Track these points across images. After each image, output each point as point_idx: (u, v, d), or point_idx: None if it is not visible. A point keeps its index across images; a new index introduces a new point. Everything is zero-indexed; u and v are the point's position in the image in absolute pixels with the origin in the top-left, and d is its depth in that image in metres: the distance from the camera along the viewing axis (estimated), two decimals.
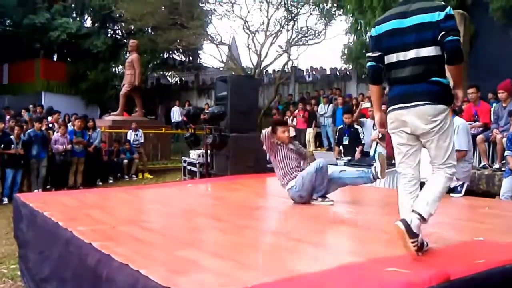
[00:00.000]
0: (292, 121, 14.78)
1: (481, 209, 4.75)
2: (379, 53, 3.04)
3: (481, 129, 7.89)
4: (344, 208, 5.10)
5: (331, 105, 14.62)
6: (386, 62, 3.05)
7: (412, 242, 2.78)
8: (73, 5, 23.27)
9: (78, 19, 23.50)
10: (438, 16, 2.89)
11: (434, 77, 2.93)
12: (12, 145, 9.87)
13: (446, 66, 2.96)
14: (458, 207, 5.24)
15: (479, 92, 8.06)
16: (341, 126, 9.37)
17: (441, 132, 2.97)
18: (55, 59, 24.04)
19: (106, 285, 2.76)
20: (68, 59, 23.53)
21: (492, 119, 7.82)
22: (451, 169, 3.06)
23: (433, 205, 2.96)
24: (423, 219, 2.89)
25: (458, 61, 2.94)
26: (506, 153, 6.62)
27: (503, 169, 6.86)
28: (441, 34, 2.87)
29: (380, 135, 8.40)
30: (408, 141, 3.05)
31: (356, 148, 8.78)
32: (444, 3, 3.00)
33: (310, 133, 14.49)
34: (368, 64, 3.09)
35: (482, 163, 7.58)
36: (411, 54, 2.94)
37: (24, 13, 20.24)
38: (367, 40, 14.80)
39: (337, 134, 9.40)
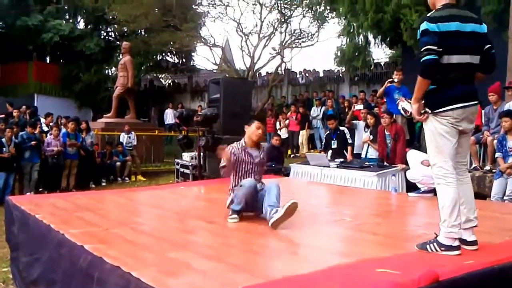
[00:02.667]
0: (285, 122, 14.83)
1: None
2: (441, 49, 3.00)
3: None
4: (335, 209, 5.12)
5: (323, 107, 14.68)
6: (445, 62, 3.04)
7: None
8: (66, 7, 23.18)
9: (71, 21, 23.43)
10: (485, 29, 3.18)
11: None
12: (4, 148, 9.82)
13: (479, 73, 3.21)
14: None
15: None
16: (328, 132, 9.51)
17: None
18: (48, 61, 23.95)
19: (97, 287, 2.77)
20: (61, 61, 23.44)
21: (483, 122, 7.88)
22: None
23: None
24: None
25: (493, 71, 3.28)
26: (497, 155, 6.67)
27: (493, 170, 6.91)
28: (487, 46, 3.18)
29: (371, 137, 8.45)
30: (455, 138, 3.14)
31: (345, 151, 8.85)
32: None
33: (303, 135, 14.53)
34: (430, 57, 2.97)
35: (473, 165, 7.63)
36: (467, 58, 3.09)
37: (17, 15, 20.15)
38: (360, 42, 14.88)
39: (324, 140, 9.53)
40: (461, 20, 3.08)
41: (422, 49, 3.00)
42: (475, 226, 3.17)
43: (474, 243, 3.13)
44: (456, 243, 3.01)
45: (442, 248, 3.01)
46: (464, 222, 3.14)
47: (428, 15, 3.13)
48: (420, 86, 3.07)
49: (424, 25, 3.04)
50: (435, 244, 3.05)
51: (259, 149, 4.75)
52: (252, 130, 4.70)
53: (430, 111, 3.09)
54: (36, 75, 21.54)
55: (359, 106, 11.71)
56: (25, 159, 10.32)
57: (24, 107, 14.10)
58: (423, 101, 3.14)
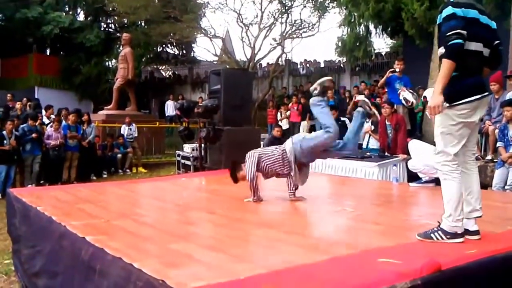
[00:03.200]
0: (286, 113, 14.80)
1: None
2: (466, 33, 2.97)
3: None
4: (337, 200, 5.12)
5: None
6: (465, 48, 3.01)
7: None
8: None
9: (70, 13, 23.35)
10: (495, 26, 3.19)
11: None
12: (5, 141, 9.82)
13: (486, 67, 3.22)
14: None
15: None
16: None
17: None
18: (48, 53, 23.91)
19: (99, 278, 2.77)
20: (61, 53, 23.41)
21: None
22: None
23: None
24: None
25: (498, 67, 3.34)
26: (498, 144, 6.66)
27: (495, 160, 6.90)
28: (497, 41, 3.19)
29: (373, 127, 8.43)
30: (470, 130, 3.14)
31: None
32: None
33: (304, 126, 14.48)
34: (457, 41, 2.93)
35: (475, 155, 7.61)
36: (481, 48, 3.09)
37: (16, 7, 20.10)
38: (361, 32, 14.82)
39: None
40: (478, 11, 3.08)
41: (451, 33, 2.94)
42: (480, 216, 3.17)
43: (476, 232, 3.13)
44: (460, 230, 3.05)
45: (448, 236, 3.03)
46: (470, 212, 3.15)
47: (452, 0, 3.10)
48: (448, 71, 2.97)
49: (450, 10, 3.01)
50: (440, 232, 3.06)
51: None
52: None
53: (448, 104, 3.02)
54: (36, 67, 21.50)
55: (360, 97, 11.66)
56: (26, 152, 10.32)
57: (25, 99, 14.10)
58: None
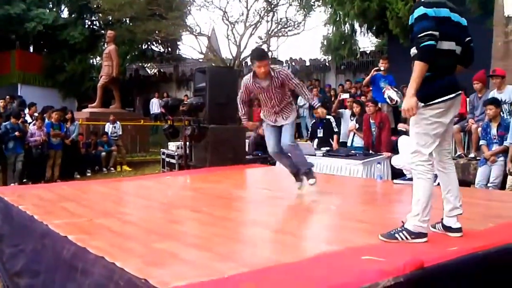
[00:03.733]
0: None
1: None
2: (438, 34, 2.95)
3: (457, 119, 7.99)
4: (322, 197, 5.13)
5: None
6: (438, 47, 2.99)
7: None
8: None
9: (54, 9, 23.05)
10: (466, 22, 3.20)
11: None
12: None
13: (459, 66, 3.23)
14: (433, 196, 5.29)
15: None
16: (314, 120, 9.52)
17: None
18: (31, 50, 23.59)
19: (81, 277, 2.75)
20: (45, 50, 23.12)
21: (467, 109, 7.93)
22: None
23: None
24: None
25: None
26: (481, 142, 6.73)
27: (478, 158, 6.97)
28: (468, 38, 3.21)
29: (357, 126, 8.47)
30: (444, 129, 3.14)
31: (331, 139, 8.88)
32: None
33: None
34: (429, 42, 2.91)
35: (458, 153, 7.69)
36: (454, 46, 3.09)
37: None
38: (346, 31, 14.87)
39: (310, 129, 9.55)
40: (450, 9, 3.09)
41: (423, 34, 2.93)
42: (460, 214, 3.20)
43: (459, 230, 3.16)
44: (425, 230, 3.04)
45: (412, 236, 3.01)
46: (450, 210, 3.17)
47: (423, 0, 3.09)
48: (420, 73, 2.96)
49: (421, 10, 2.99)
50: (404, 232, 3.04)
51: (269, 78, 4.94)
52: (256, 70, 4.89)
53: (423, 104, 3.02)
54: (19, 64, 21.22)
55: (345, 95, 11.72)
56: (9, 150, 10.18)
57: (8, 97, 13.91)
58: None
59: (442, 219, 3.23)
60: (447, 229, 3.16)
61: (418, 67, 2.96)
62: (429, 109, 3.03)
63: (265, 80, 4.88)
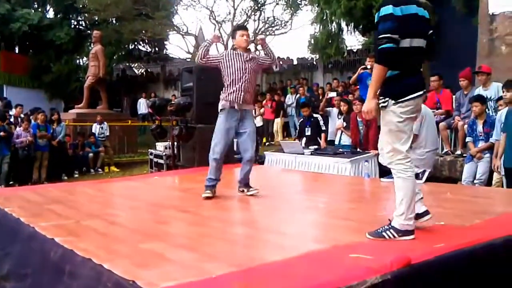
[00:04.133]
0: (259, 111, 14.81)
1: (443, 194, 4.86)
2: (398, 37, 2.92)
3: (443, 116, 8.05)
4: (309, 196, 5.15)
5: (297, 95, 14.74)
6: (407, 45, 2.97)
7: None
8: None
9: (39, 10, 22.88)
10: (428, 15, 3.13)
11: None
12: None
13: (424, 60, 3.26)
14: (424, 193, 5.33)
15: (442, 80, 8.22)
16: (302, 119, 9.54)
17: None
18: (16, 51, 23.37)
19: (69, 280, 2.73)
20: (30, 51, 22.91)
21: (454, 107, 8.00)
22: None
23: None
24: None
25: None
26: (467, 139, 6.79)
27: (464, 155, 7.03)
28: (431, 31, 3.15)
29: (344, 124, 8.50)
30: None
31: (318, 138, 8.92)
32: None
33: (277, 123, 14.54)
34: (389, 45, 2.89)
35: (445, 150, 7.75)
36: (422, 43, 3.07)
37: None
38: (333, 30, 14.90)
39: (298, 127, 9.57)
40: (417, 4, 3.06)
41: (382, 36, 2.92)
42: (422, 198, 3.27)
43: (426, 212, 3.25)
44: (411, 228, 3.04)
45: (400, 234, 3.02)
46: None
47: None
48: (379, 77, 2.97)
49: (388, 9, 2.94)
50: (392, 230, 3.04)
51: (248, 53, 4.94)
52: (238, 39, 4.89)
53: (393, 101, 3.00)
54: (4, 66, 20.99)
55: (332, 94, 11.76)
56: None
57: None
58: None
59: None
60: (416, 216, 3.15)
61: (376, 70, 2.99)
62: (400, 106, 3.01)
63: (245, 54, 4.86)
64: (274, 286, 2.26)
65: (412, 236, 3.03)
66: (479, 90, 7.26)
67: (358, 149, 7.73)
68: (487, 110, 6.77)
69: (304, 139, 9.10)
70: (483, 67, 7.39)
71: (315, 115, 9.21)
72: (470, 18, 10.28)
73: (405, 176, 3.04)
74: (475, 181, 6.36)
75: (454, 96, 8.14)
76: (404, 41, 2.96)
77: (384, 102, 3.04)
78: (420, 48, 3.06)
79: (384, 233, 3.07)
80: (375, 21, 3.07)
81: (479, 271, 2.79)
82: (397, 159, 3.06)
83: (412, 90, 3.02)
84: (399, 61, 2.97)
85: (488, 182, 6.31)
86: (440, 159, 7.34)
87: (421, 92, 3.07)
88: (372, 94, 3.02)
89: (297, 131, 9.92)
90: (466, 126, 6.98)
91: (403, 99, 3.00)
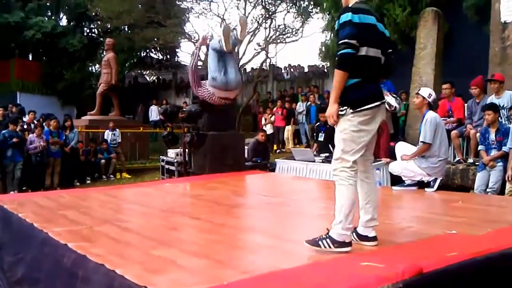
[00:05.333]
0: (270, 118, 14.83)
1: (455, 203, 4.83)
2: (357, 43, 2.95)
3: (455, 124, 8.01)
4: (320, 204, 5.14)
5: (305, 102, 14.76)
6: (364, 53, 3.00)
7: None
8: (48, 3, 22.87)
9: (53, 17, 23.09)
10: (388, 34, 3.22)
11: None
12: None
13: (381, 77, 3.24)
14: (432, 202, 5.32)
15: (453, 88, 8.19)
16: (318, 123, 9.46)
17: None
18: (30, 58, 23.61)
19: (81, 285, 2.76)
20: (44, 58, 23.11)
21: (466, 115, 7.95)
22: None
23: None
24: None
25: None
26: (480, 147, 6.73)
27: (477, 163, 6.98)
28: (391, 50, 3.21)
29: None
30: (370, 138, 3.14)
31: (330, 146, 8.87)
32: None
33: (288, 130, 14.55)
34: (348, 50, 2.93)
35: (457, 158, 7.69)
36: (379, 54, 3.09)
37: None
38: None
39: (315, 131, 9.50)
40: (376, 17, 3.10)
41: (341, 42, 2.95)
42: (377, 225, 3.21)
43: (374, 238, 3.18)
44: (348, 239, 2.99)
45: (336, 245, 2.96)
46: (368, 221, 3.18)
47: (349, 5, 3.08)
48: (339, 83, 2.99)
49: (347, 16, 2.97)
50: (328, 240, 2.99)
51: None
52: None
53: (351, 110, 3.00)
54: (18, 73, 21.22)
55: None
56: (8, 158, 10.19)
57: (10, 106, 13.91)
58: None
59: (356, 228, 3.20)
60: (363, 238, 3.15)
61: (336, 76, 3.01)
62: (357, 115, 3.00)
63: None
64: None
65: (348, 248, 2.96)
66: (491, 99, 7.21)
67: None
68: (499, 118, 6.72)
69: (315, 145, 9.08)
70: (496, 75, 7.34)
71: None
72: (482, 26, 10.23)
73: (347, 184, 3.00)
74: (487, 190, 6.30)
75: (466, 105, 8.10)
76: (362, 49, 2.98)
77: (342, 111, 3.02)
78: (377, 59, 3.06)
79: (320, 242, 3.01)
80: (336, 29, 3.12)
81: (491, 281, 2.77)
82: (342, 166, 3.04)
83: (370, 100, 3.01)
84: (357, 68, 2.98)
85: (501, 191, 6.25)
86: (452, 167, 7.29)
87: (378, 103, 3.05)
88: (333, 99, 3.04)
89: (314, 133, 9.82)
90: (478, 134, 6.93)
91: (360, 108, 2.98)
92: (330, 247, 2.96)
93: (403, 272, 2.35)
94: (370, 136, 3.11)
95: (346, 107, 3.01)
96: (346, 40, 2.93)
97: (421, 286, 2.38)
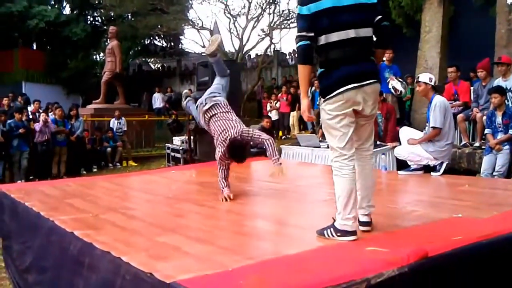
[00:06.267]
0: (275, 104, 14.80)
1: (461, 186, 4.81)
2: (312, 34, 2.88)
3: (461, 108, 7.96)
4: (325, 189, 5.13)
5: (312, 88, 14.69)
6: (323, 42, 2.90)
7: None
8: None
9: (56, 6, 23.11)
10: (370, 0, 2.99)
11: (372, 56, 3.02)
12: None
13: (376, 49, 3.06)
14: (438, 185, 5.31)
15: (459, 72, 8.13)
16: None
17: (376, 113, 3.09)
18: (34, 48, 23.66)
19: (88, 272, 2.78)
20: (48, 47, 23.17)
21: (472, 98, 7.90)
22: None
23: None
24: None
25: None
26: (486, 131, 6.70)
27: (483, 147, 6.95)
28: (378, 17, 3.00)
29: None
30: (352, 124, 2.96)
31: None
32: None
33: (293, 116, 14.52)
34: (301, 43, 2.88)
35: (463, 142, 7.66)
36: (350, 33, 2.89)
37: (0, 1, 19.83)
38: None
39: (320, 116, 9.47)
40: None
41: (296, 36, 2.93)
42: (367, 214, 3.12)
43: (366, 224, 3.11)
44: (351, 228, 2.92)
45: (338, 234, 2.92)
46: (366, 207, 3.12)
47: None
48: (302, 76, 2.96)
49: (298, 9, 2.94)
50: (331, 229, 2.96)
51: None
52: None
53: (323, 99, 2.95)
54: (22, 62, 21.29)
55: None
56: (14, 148, 10.25)
57: (11, 94, 13.94)
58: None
59: None
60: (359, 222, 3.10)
61: (299, 70, 2.98)
62: (328, 103, 2.92)
63: None
64: (290, 279, 2.27)
65: (351, 237, 2.90)
66: (498, 81, 7.16)
67: (378, 142, 7.68)
68: (506, 101, 6.67)
69: (320, 131, 9.07)
70: (503, 58, 7.27)
71: None
72: (488, 9, 10.13)
73: (340, 174, 2.93)
74: (494, 173, 6.28)
75: (472, 88, 8.05)
76: (320, 39, 2.90)
77: (319, 102, 3.03)
78: (346, 40, 2.88)
79: (325, 231, 3.00)
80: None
81: (497, 264, 2.77)
82: (334, 157, 2.97)
83: (337, 85, 2.88)
84: (320, 57, 2.95)
85: (508, 174, 6.23)
86: (459, 151, 7.27)
87: (348, 86, 2.86)
88: (302, 94, 3.06)
89: (319, 120, 9.81)
90: (484, 117, 6.89)
91: (329, 96, 2.90)
92: (333, 236, 2.95)
93: (409, 256, 2.35)
94: (350, 119, 2.93)
95: (320, 98, 3.00)
96: (297, 34, 2.91)
97: (426, 270, 2.39)
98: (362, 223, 3.10)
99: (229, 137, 4.44)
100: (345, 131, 2.92)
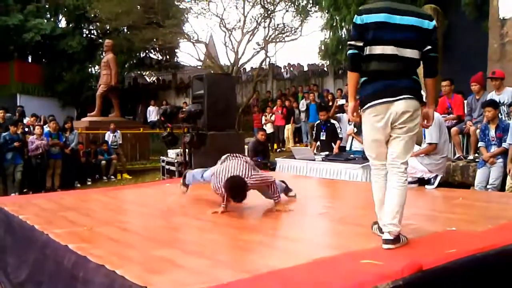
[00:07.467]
0: (270, 117, 14.85)
1: (455, 199, 4.83)
2: (362, 43, 3.01)
3: (455, 121, 8.01)
4: (320, 202, 5.15)
5: (306, 101, 14.79)
6: (367, 53, 3.04)
7: None
8: (46, 5, 22.90)
9: (52, 19, 23.11)
10: (428, 25, 3.05)
11: (414, 75, 3.11)
12: None
13: (424, 78, 3.18)
14: (432, 199, 5.33)
15: (453, 85, 8.19)
16: (318, 122, 9.45)
17: (414, 130, 3.11)
18: (29, 61, 23.63)
19: (82, 286, 2.76)
20: (43, 60, 23.15)
21: (465, 111, 7.95)
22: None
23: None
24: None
25: (435, 75, 3.20)
26: (480, 144, 6.74)
27: (477, 160, 6.98)
28: (428, 47, 3.06)
29: (355, 130, 8.49)
30: (382, 137, 3.08)
31: (333, 144, 8.89)
32: (430, 14, 3.21)
33: (288, 129, 14.57)
34: (350, 51, 3.05)
35: (457, 155, 7.69)
36: (392, 50, 3.00)
37: None
38: (343, 36, 14.92)
39: (315, 129, 9.50)
40: (390, 12, 3.00)
41: (348, 44, 3.10)
42: (389, 232, 3.02)
43: (386, 241, 3.02)
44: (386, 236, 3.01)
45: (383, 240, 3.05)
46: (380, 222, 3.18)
47: (360, 8, 3.15)
48: (349, 81, 3.16)
49: (354, 18, 3.09)
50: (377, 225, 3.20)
51: None
52: None
53: (360, 108, 3.13)
54: (18, 75, 21.25)
55: (342, 101, 11.75)
56: (8, 161, 10.20)
57: (17, 109, 13.94)
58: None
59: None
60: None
61: (348, 76, 3.17)
62: (364, 113, 3.10)
63: None
64: None
65: (388, 246, 2.98)
66: (492, 95, 7.22)
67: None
68: (499, 115, 6.72)
69: (318, 143, 9.11)
70: (497, 72, 7.34)
71: (332, 121, 9.18)
72: (481, 23, 10.23)
73: (373, 181, 3.16)
74: (488, 186, 6.31)
75: (465, 101, 8.10)
76: (366, 49, 3.05)
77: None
78: (386, 55, 3.00)
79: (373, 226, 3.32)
80: None
81: (492, 277, 2.77)
82: (370, 164, 3.22)
83: (372, 97, 3.03)
84: (362, 67, 3.08)
85: (501, 187, 6.26)
86: (453, 164, 7.29)
87: (381, 100, 2.99)
88: (349, 97, 3.22)
89: (313, 132, 9.82)
90: (478, 131, 6.94)
91: (365, 107, 3.08)
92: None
93: (403, 270, 2.36)
94: (381, 134, 3.05)
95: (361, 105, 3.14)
96: (348, 42, 3.08)
97: (421, 284, 2.39)
98: (383, 240, 3.03)
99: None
100: (376, 145, 3.10)
